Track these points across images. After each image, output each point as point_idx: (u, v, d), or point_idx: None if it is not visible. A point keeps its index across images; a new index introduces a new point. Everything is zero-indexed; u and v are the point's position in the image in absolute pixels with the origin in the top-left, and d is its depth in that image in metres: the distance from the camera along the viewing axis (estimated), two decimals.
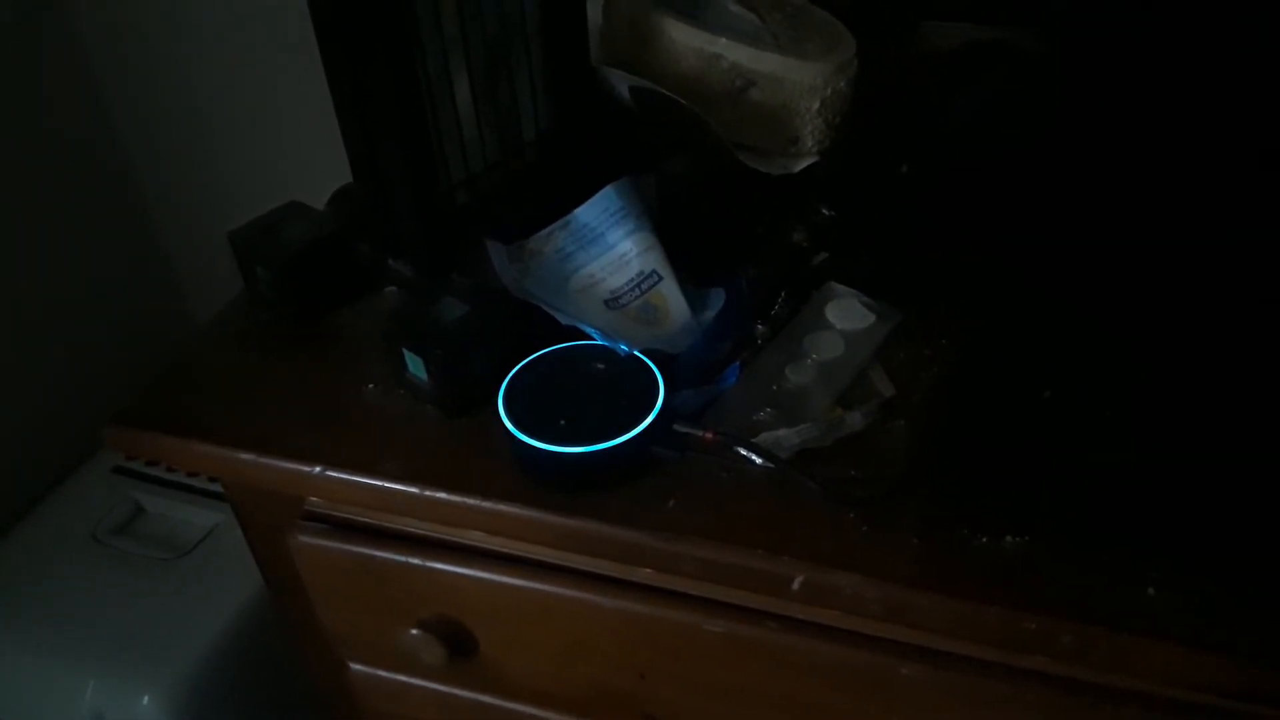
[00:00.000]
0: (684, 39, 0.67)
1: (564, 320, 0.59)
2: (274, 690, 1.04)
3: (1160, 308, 0.61)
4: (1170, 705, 0.51)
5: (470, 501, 0.54)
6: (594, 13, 0.68)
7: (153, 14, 1.11)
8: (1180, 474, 0.52)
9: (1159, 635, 0.46)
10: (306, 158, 0.93)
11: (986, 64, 0.72)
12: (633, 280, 0.63)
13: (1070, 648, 0.47)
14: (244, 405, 0.61)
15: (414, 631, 0.62)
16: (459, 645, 0.62)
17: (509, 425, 0.54)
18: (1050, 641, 0.47)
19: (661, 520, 0.52)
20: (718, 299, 0.63)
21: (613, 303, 0.63)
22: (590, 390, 0.56)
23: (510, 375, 0.57)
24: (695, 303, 0.63)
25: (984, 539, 0.50)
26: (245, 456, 0.58)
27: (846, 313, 0.63)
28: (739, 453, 0.54)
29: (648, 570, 0.55)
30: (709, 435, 0.54)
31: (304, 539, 0.62)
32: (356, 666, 0.71)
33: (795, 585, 0.50)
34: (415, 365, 0.58)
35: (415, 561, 0.60)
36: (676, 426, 0.55)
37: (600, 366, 0.57)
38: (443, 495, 0.55)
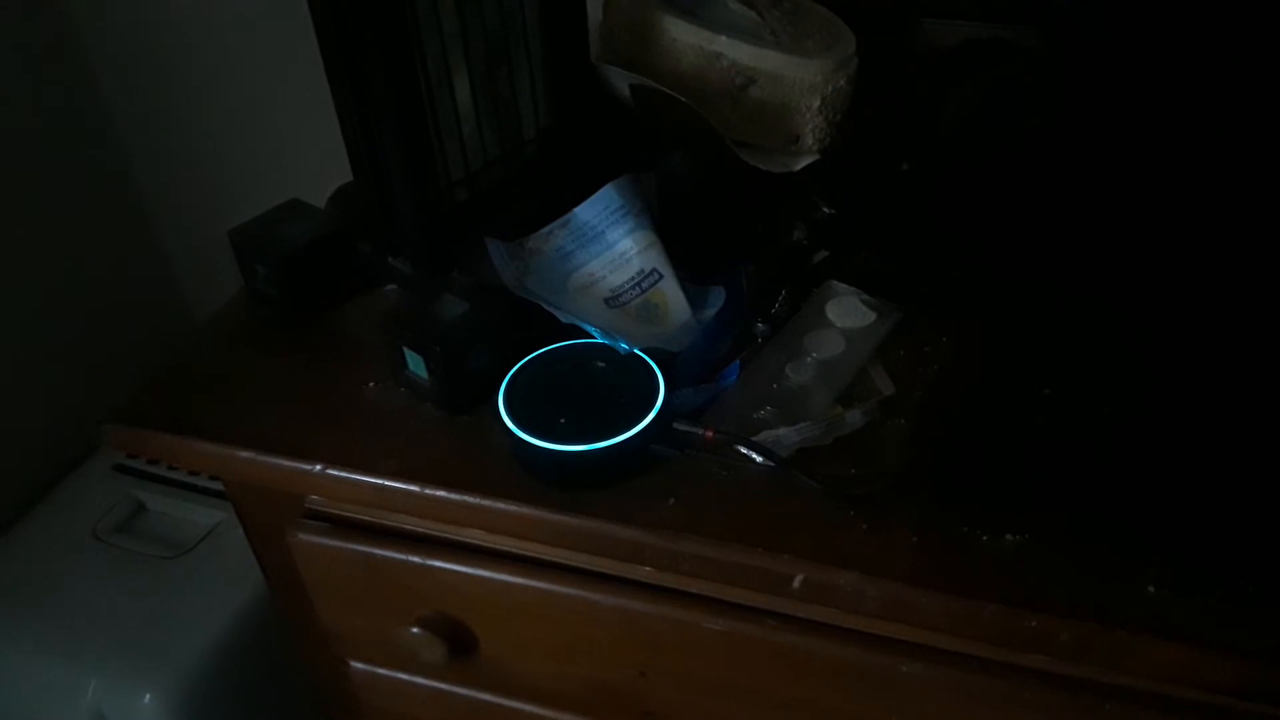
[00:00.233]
0: (684, 36, 0.67)
1: (564, 318, 0.59)
2: (275, 688, 1.04)
3: (1160, 306, 0.61)
4: (1169, 703, 0.51)
5: (470, 500, 0.54)
6: (594, 10, 0.67)
7: (152, 13, 1.11)
8: (1179, 471, 0.52)
9: (1158, 633, 0.46)
10: (306, 156, 0.93)
11: (987, 62, 0.71)
12: (633, 278, 0.63)
13: (1069, 645, 0.47)
14: (244, 404, 0.61)
15: (414, 630, 0.62)
16: (459, 643, 0.62)
17: (509, 423, 0.54)
18: (1050, 639, 0.47)
19: (661, 519, 0.52)
20: (718, 297, 0.63)
21: (613, 301, 0.63)
22: (590, 389, 0.56)
23: (510, 373, 0.57)
24: (695, 301, 0.63)
25: (984, 537, 0.50)
26: (245, 455, 0.58)
27: (847, 311, 0.63)
28: (739, 451, 0.54)
29: (648, 568, 0.55)
30: (709, 434, 0.54)
31: (304, 537, 0.62)
32: (357, 664, 0.71)
33: (795, 583, 0.50)
34: (415, 363, 0.58)
35: (415, 560, 0.60)
36: (676, 425, 0.55)
37: (600, 365, 0.57)
38: (443, 493, 0.55)
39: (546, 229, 0.64)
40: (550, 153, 0.67)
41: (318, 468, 0.56)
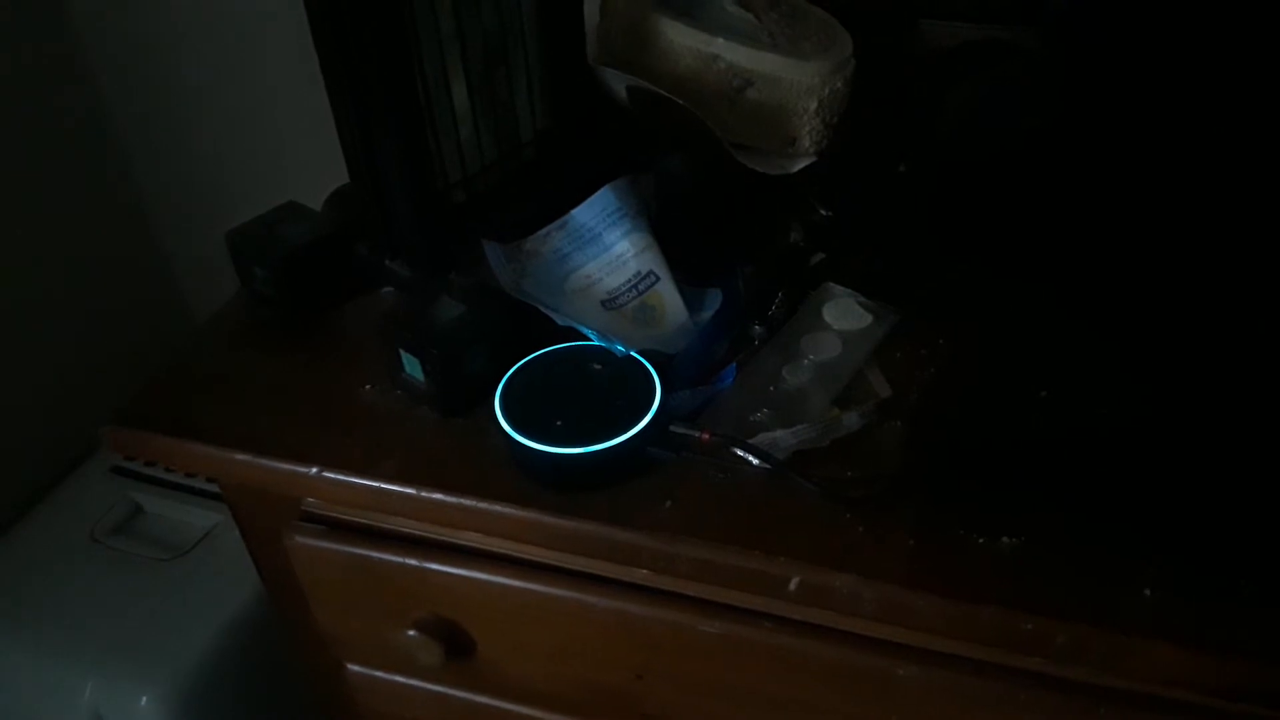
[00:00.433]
0: (681, 39, 0.67)
1: (561, 321, 0.59)
2: (272, 690, 1.04)
3: (1157, 307, 0.61)
4: (1166, 705, 0.51)
5: (467, 502, 0.54)
6: (591, 12, 0.68)
7: (152, 14, 1.11)
8: (1176, 473, 0.52)
9: (1155, 635, 0.46)
10: (304, 158, 0.93)
11: (984, 63, 0.71)
12: (630, 281, 0.63)
13: (1066, 648, 0.47)
14: (241, 406, 0.61)
15: (411, 632, 0.62)
16: (456, 646, 0.62)
17: (506, 426, 0.54)
18: (1046, 642, 0.47)
19: (658, 521, 0.52)
20: (715, 299, 0.63)
21: (610, 303, 0.63)
22: (587, 391, 0.56)
23: (507, 376, 0.57)
24: (692, 303, 0.63)
25: (980, 539, 0.50)
26: (242, 457, 0.58)
27: (843, 313, 0.63)
28: (736, 454, 0.54)
29: (644, 571, 0.55)
30: (706, 436, 0.54)
31: (301, 539, 0.62)
32: (354, 667, 0.70)
33: (792, 586, 0.50)
34: (412, 365, 0.58)
35: (412, 562, 0.60)
36: (673, 427, 0.55)
37: (597, 367, 0.57)
38: (439, 496, 0.55)
39: (544, 231, 0.64)
40: (547, 155, 0.67)
41: (314, 470, 0.56)
